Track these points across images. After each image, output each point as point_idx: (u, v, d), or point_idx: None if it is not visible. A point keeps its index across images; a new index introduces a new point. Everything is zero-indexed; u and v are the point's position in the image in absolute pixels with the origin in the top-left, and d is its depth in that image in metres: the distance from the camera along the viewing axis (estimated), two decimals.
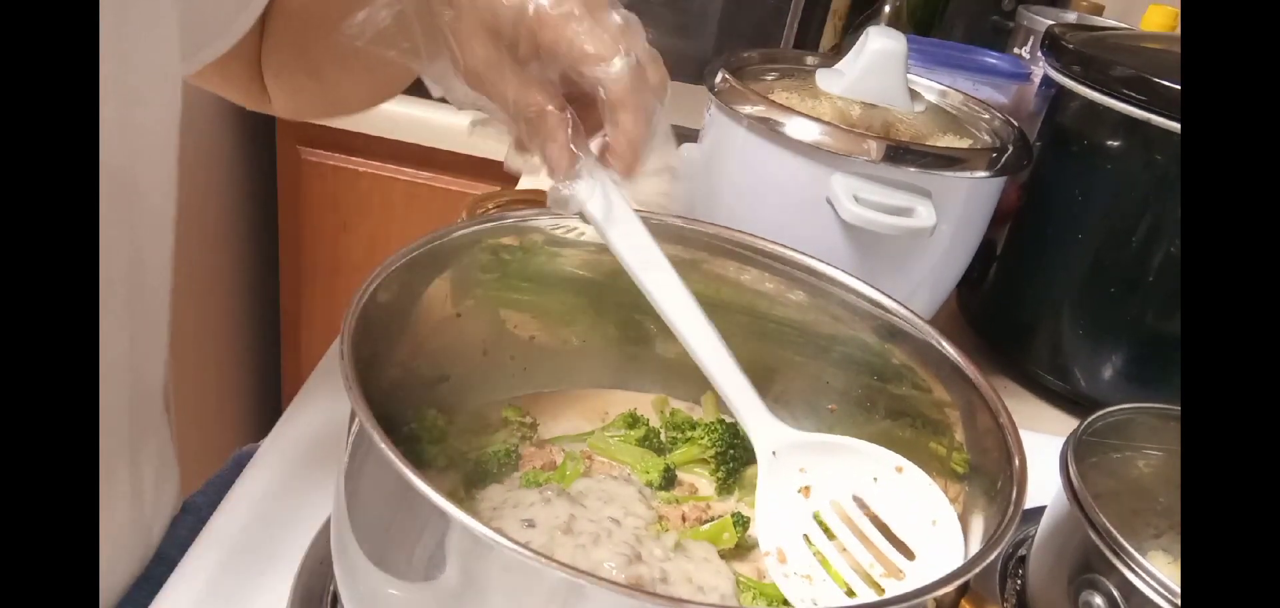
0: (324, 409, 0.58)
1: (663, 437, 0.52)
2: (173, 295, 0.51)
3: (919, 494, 0.43)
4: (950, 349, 0.45)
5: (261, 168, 1.39)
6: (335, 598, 0.43)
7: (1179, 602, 0.41)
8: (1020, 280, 0.75)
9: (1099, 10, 1.25)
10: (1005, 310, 0.77)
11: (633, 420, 0.51)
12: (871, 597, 0.41)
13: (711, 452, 0.50)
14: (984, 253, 0.70)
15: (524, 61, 0.43)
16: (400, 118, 1.23)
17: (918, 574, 0.41)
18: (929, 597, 0.32)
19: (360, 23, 0.45)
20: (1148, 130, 0.64)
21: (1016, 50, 1.13)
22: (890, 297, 0.48)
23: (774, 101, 0.63)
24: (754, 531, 0.46)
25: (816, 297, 0.50)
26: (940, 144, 0.65)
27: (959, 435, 0.44)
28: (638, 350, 0.54)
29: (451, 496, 0.36)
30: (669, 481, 0.49)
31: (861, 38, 0.67)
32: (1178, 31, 1.02)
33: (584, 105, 0.44)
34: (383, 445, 0.31)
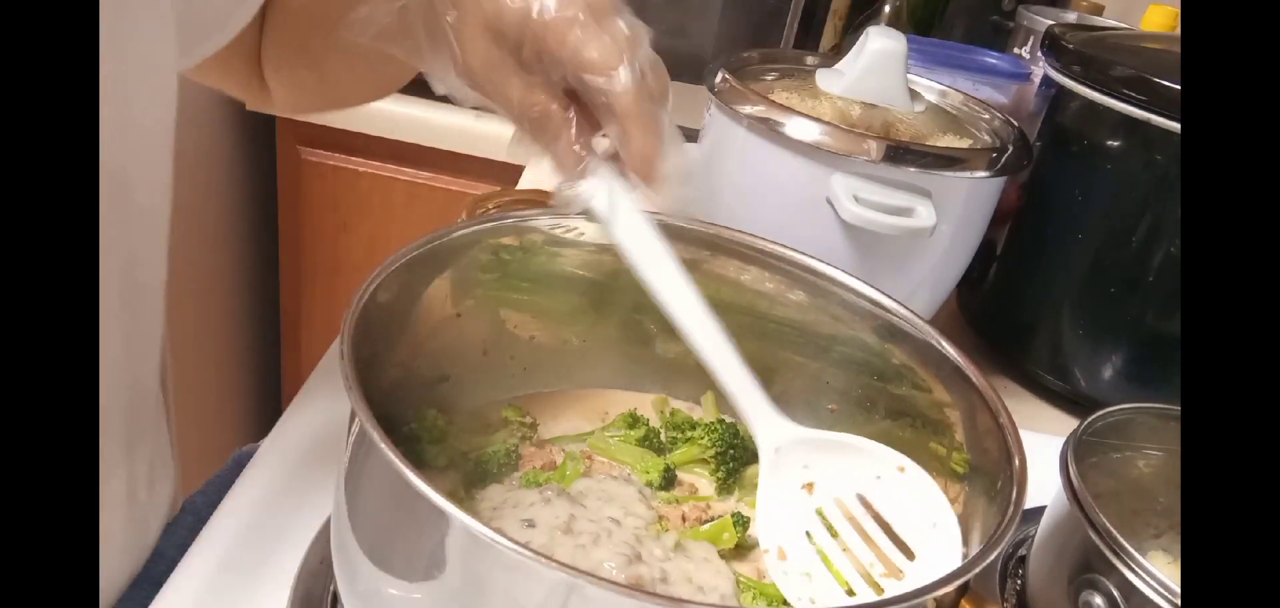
0: (324, 409, 0.58)
1: (663, 437, 0.52)
2: (171, 295, 0.51)
3: (920, 495, 0.43)
4: (950, 349, 0.45)
5: (261, 168, 1.39)
6: (335, 598, 0.43)
7: (1179, 602, 0.41)
8: (1020, 280, 0.75)
9: (1099, 10, 1.25)
10: (1005, 310, 0.77)
11: (633, 420, 0.51)
12: (871, 596, 0.41)
13: (711, 452, 0.50)
14: (984, 253, 0.70)
15: (527, 64, 0.43)
16: (400, 118, 1.23)
17: (918, 574, 0.41)
18: (929, 597, 0.32)
19: (362, 20, 0.45)
20: (1148, 130, 0.64)
21: (1016, 50, 1.13)
22: (890, 297, 0.48)
23: (774, 101, 0.63)
24: (754, 528, 0.46)
25: (816, 297, 0.50)
26: (940, 144, 0.65)
27: (959, 435, 0.44)
28: (638, 350, 0.54)
29: (451, 496, 0.36)
30: (669, 481, 0.49)
31: (861, 38, 0.67)
32: (1178, 31, 1.02)
33: (587, 103, 0.44)
34: (383, 446, 0.31)
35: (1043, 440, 0.49)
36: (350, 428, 0.36)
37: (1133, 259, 0.67)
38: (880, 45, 0.65)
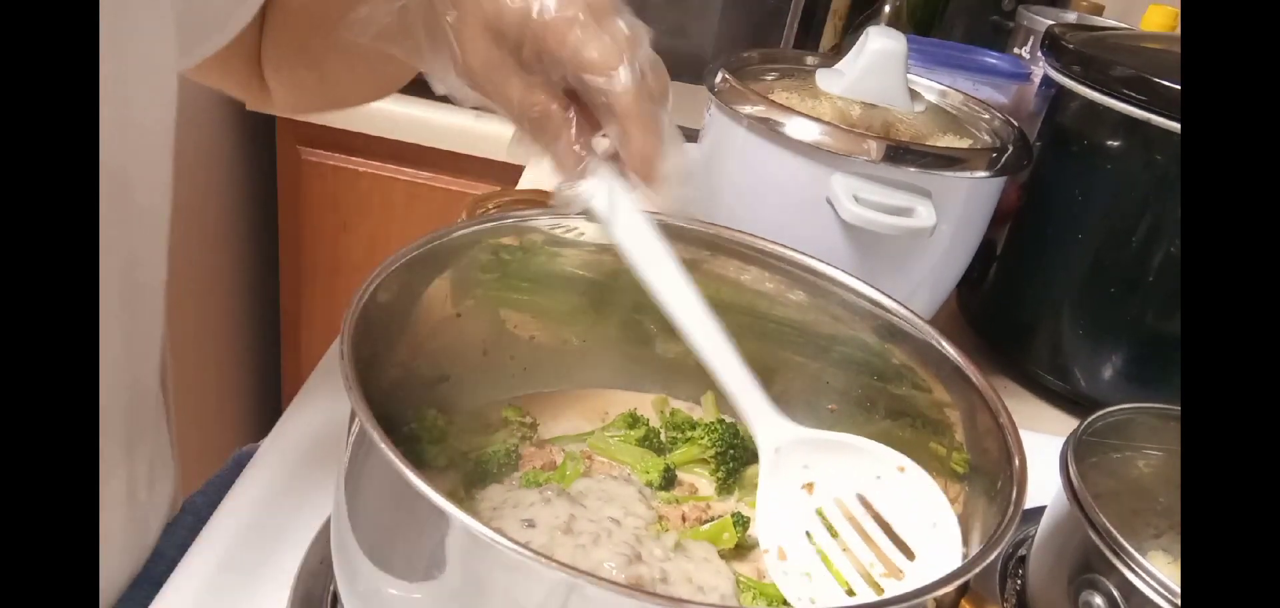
0: (324, 409, 0.58)
1: (663, 437, 0.52)
2: (171, 295, 0.51)
3: (921, 495, 0.43)
4: (950, 349, 0.45)
5: (261, 168, 1.39)
6: (335, 598, 0.43)
7: (1179, 602, 0.41)
8: (1020, 280, 0.75)
9: (1099, 10, 1.25)
10: (1005, 310, 0.77)
11: (633, 420, 0.51)
12: (870, 596, 0.41)
13: (711, 452, 0.50)
14: (984, 253, 0.70)
15: (527, 64, 0.43)
16: (400, 118, 1.23)
17: (918, 575, 0.41)
18: (929, 597, 0.32)
19: (361, 20, 0.45)
20: (1148, 130, 0.64)
21: (1016, 50, 1.13)
22: (890, 297, 0.48)
23: (774, 101, 0.63)
24: (754, 527, 0.46)
25: (816, 297, 0.50)
26: (940, 144, 0.65)
27: (959, 435, 0.44)
28: (638, 350, 0.54)
29: (451, 496, 0.36)
30: (669, 481, 0.49)
31: (861, 38, 0.67)
32: (1178, 31, 1.02)
33: (587, 103, 0.44)
34: (383, 446, 0.31)
35: (1043, 440, 0.49)
36: (350, 428, 0.36)
37: (1133, 259, 0.67)
38: (880, 45, 0.65)
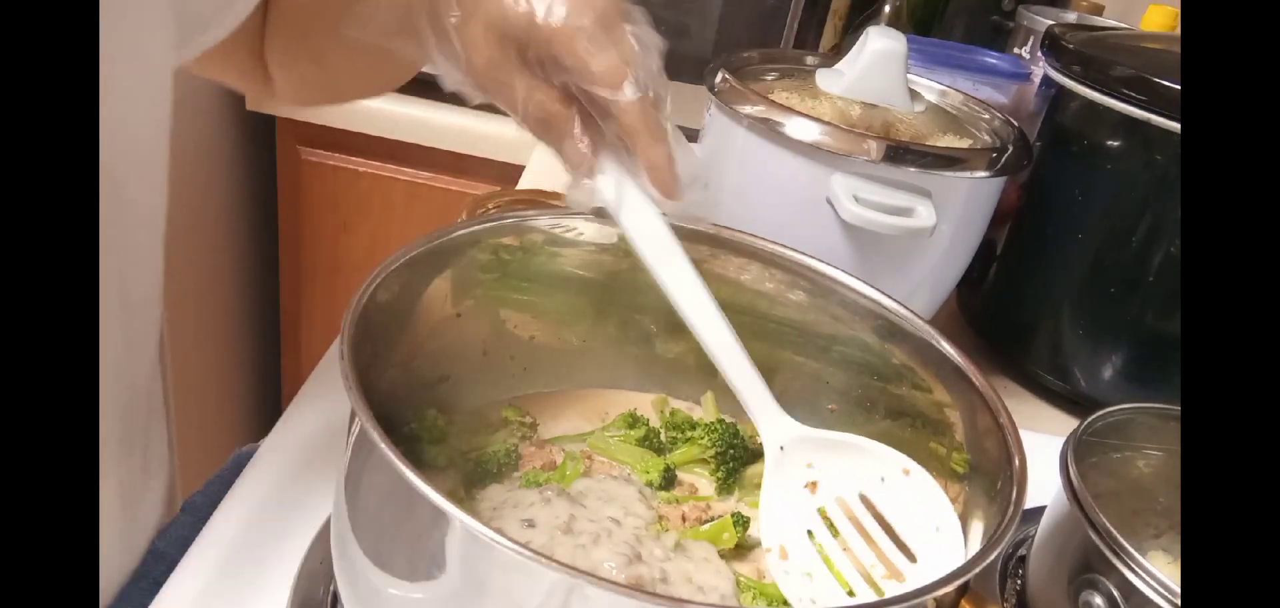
0: (324, 409, 0.58)
1: (663, 437, 0.52)
2: (171, 295, 0.51)
3: (924, 498, 0.43)
4: (950, 349, 0.45)
5: (261, 168, 1.39)
6: (335, 598, 0.43)
7: (1179, 602, 0.41)
8: (1020, 280, 0.75)
9: (1099, 10, 1.25)
10: (1005, 310, 0.77)
11: (633, 421, 0.51)
12: (871, 597, 0.41)
13: (711, 452, 0.50)
14: (984, 253, 0.70)
15: (533, 65, 0.43)
16: (400, 118, 1.23)
17: (918, 577, 0.41)
18: (929, 597, 0.32)
19: (364, 16, 0.44)
20: (1148, 130, 0.64)
21: (1016, 50, 1.13)
22: (890, 297, 0.48)
23: (774, 101, 0.63)
24: (756, 526, 0.46)
25: (816, 297, 0.50)
26: (940, 144, 0.65)
27: (959, 435, 0.44)
28: (638, 350, 0.54)
29: (451, 496, 0.36)
30: (669, 481, 0.49)
31: (861, 38, 0.67)
32: (1178, 31, 1.02)
33: (592, 110, 0.44)
34: (383, 446, 0.31)
35: (1043, 440, 0.49)
36: (350, 428, 0.36)
37: (1133, 259, 0.67)
38: (880, 45, 0.65)
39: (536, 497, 0.42)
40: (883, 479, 0.44)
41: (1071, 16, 1.22)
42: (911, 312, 0.47)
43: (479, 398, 0.51)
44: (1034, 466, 0.38)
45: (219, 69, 0.61)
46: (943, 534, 0.41)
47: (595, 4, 0.42)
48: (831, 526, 0.44)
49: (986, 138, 0.68)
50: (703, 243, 0.50)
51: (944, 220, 0.61)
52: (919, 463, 0.44)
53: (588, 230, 0.49)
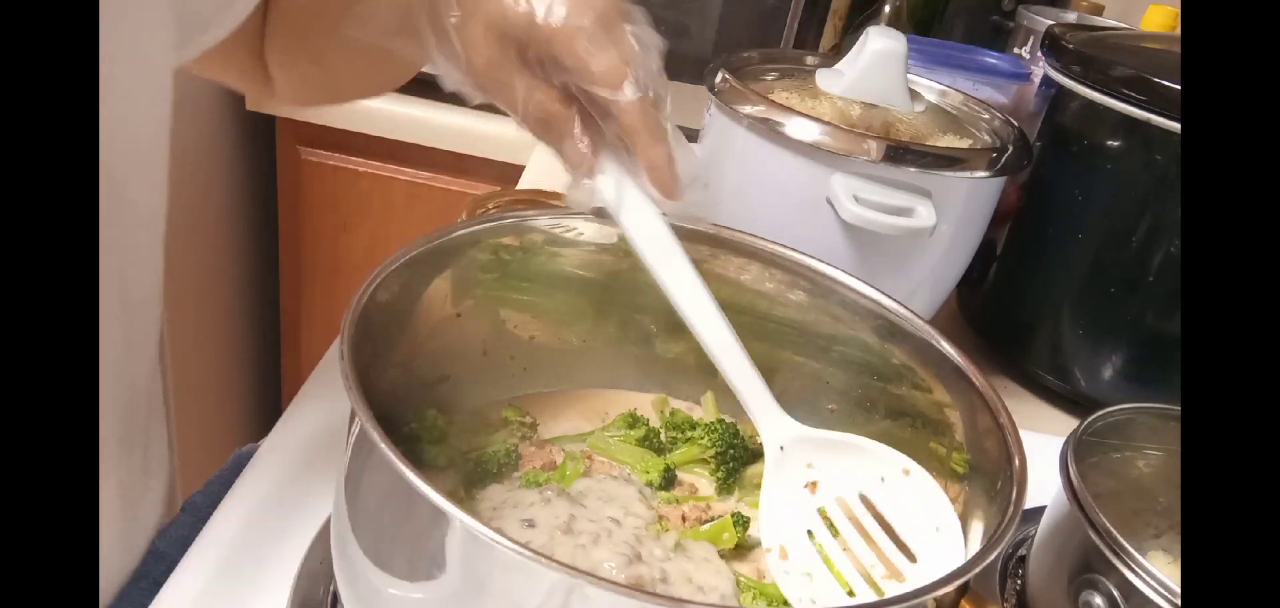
0: (324, 409, 0.58)
1: (663, 437, 0.52)
2: (171, 295, 0.51)
3: (924, 499, 0.43)
4: (950, 349, 0.45)
5: (261, 168, 1.39)
6: (335, 598, 0.43)
7: (1179, 602, 0.41)
8: (1020, 280, 0.75)
9: (1099, 10, 1.25)
10: (1005, 310, 0.77)
11: (633, 420, 0.51)
12: (871, 597, 0.41)
13: (711, 452, 0.50)
14: (984, 253, 0.70)
15: (533, 65, 0.43)
16: (400, 118, 1.23)
17: (918, 577, 0.41)
18: (929, 597, 0.32)
19: (364, 16, 0.44)
20: (1148, 130, 0.64)
21: (1016, 50, 1.13)
22: (890, 297, 0.48)
23: (774, 101, 0.63)
24: (756, 526, 0.46)
25: (816, 297, 0.50)
26: (940, 144, 0.65)
27: (959, 435, 0.44)
28: (638, 350, 0.54)
29: (451, 496, 0.36)
30: (669, 481, 0.49)
31: (861, 38, 0.67)
32: (1178, 31, 1.02)
33: (592, 110, 0.44)
34: (383, 446, 0.31)
35: (1043, 440, 0.49)
36: (350, 428, 0.36)
37: (1133, 259, 0.67)
38: (880, 45, 0.65)
39: (536, 497, 0.42)
40: (883, 479, 0.44)
41: (1071, 16, 1.22)
42: (911, 312, 0.47)
43: (479, 398, 0.51)
44: (1034, 466, 0.38)
45: (219, 69, 0.61)
46: (943, 535, 0.41)
47: (595, 4, 0.42)
48: (831, 526, 0.44)
49: (986, 138, 0.68)
50: (703, 243, 0.50)
51: (944, 220, 0.61)
52: (919, 463, 0.44)
53: (588, 230, 0.49)
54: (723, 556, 0.43)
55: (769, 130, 0.61)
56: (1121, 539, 0.43)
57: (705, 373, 0.54)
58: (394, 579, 0.34)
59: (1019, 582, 0.51)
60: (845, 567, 0.42)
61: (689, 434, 0.51)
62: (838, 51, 0.84)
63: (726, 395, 0.54)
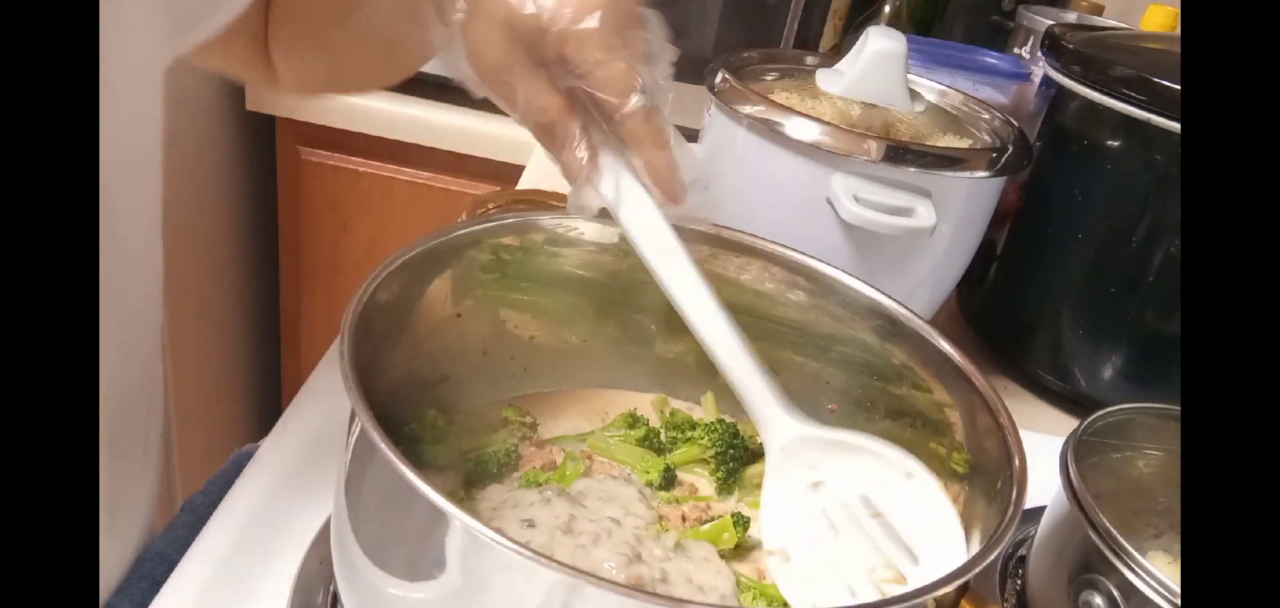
0: (324, 409, 0.58)
1: (663, 437, 0.52)
2: (171, 295, 0.51)
3: (926, 500, 0.43)
4: (950, 349, 0.45)
5: (261, 168, 1.39)
6: (335, 598, 0.43)
7: (1179, 602, 0.41)
8: (1020, 280, 0.75)
9: (1099, 10, 1.25)
10: (1005, 310, 0.77)
11: (633, 420, 0.51)
12: (872, 596, 0.41)
13: (711, 452, 0.50)
14: (984, 253, 0.70)
15: (544, 63, 0.42)
16: (400, 118, 1.23)
17: (920, 578, 0.41)
18: (929, 597, 0.32)
19: (371, 8, 0.44)
20: (1148, 130, 0.64)
21: (1016, 50, 1.13)
22: (890, 297, 0.48)
23: (774, 102, 0.63)
24: (757, 526, 0.46)
25: (816, 297, 0.50)
26: (940, 144, 0.65)
27: (959, 435, 0.44)
28: (638, 350, 0.54)
29: (451, 496, 0.36)
30: (669, 481, 0.49)
31: (861, 38, 0.67)
32: (1178, 31, 1.02)
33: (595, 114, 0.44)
34: (383, 446, 0.31)
35: (1043, 441, 0.49)
36: (350, 428, 0.36)
37: (1133, 259, 0.67)
38: (880, 45, 0.65)
39: (536, 497, 0.42)
40: (885, 481, 0.44)
41: (1071, 16, 1.22)
42: (911, 312, 0.47)
43: (479, 398, 0.51)
44: (1034, 466, 0.38)
45: (221, 60, 0.61)
46: (944, 535, 0.41)
47: (605, 5, 0.41)
48: (834, 526, 0.44)
49: (986, 138, 0.68)
50: (703, 243, 0.50)
51: (944, 220, 0.61)
52: (919, 463, 0.44)
53: (588, 230, 0.49)
54: (723, 556, 0.43)
55: (769, 130, 0.61)
56: (1121, 539, 0.43)
57: (705, 373, 0.54)
58: (394, 579, 0.34)
59: (1019, 582, 0.51)
60: (847, 567, 0.42)
61: (689, 434, 0.51)
62: (838, 51, 0.84)
63: (727, 395, 0.54)
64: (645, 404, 0.54)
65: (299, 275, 1.39)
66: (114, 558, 0.52)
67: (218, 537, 0.48)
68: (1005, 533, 0.34)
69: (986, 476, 0.41)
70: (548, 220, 0.49)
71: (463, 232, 0.47)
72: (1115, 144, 0.66)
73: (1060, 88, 0.70)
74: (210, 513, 0.50)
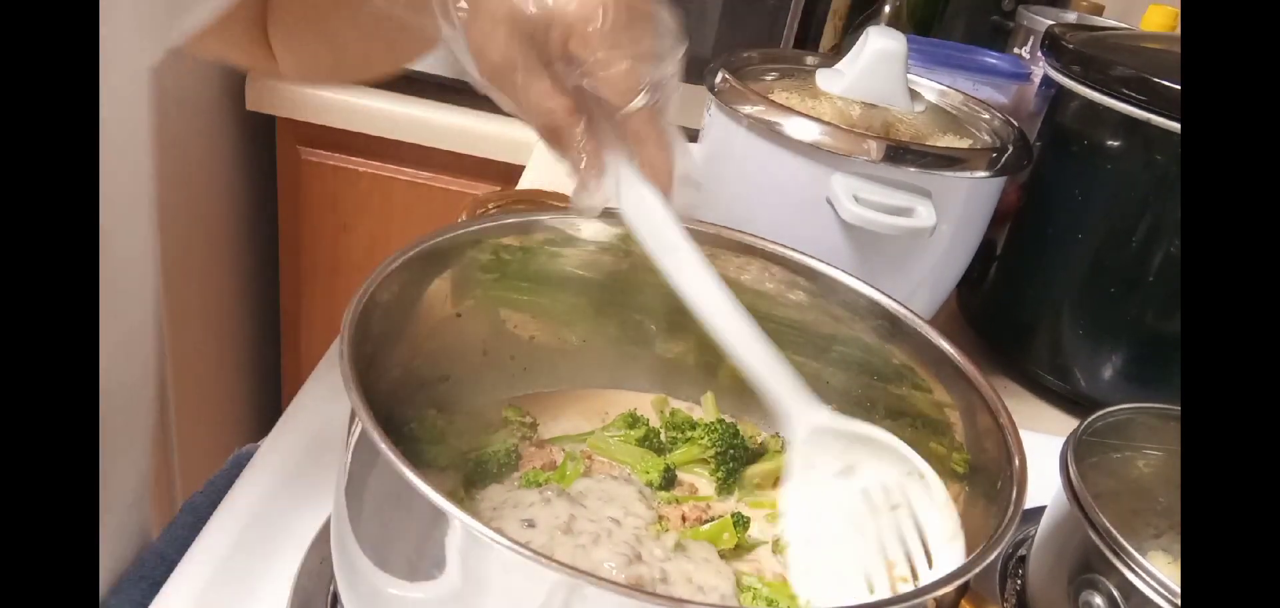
0: (324, 409, 0.58)
1: (663, 437, 0.52)
2: (171, 295, 0.51)
3: (937, 504, 0.43)
4: (950, 349, 0.45)
5: (261, 168, 1.39)
6: (335, 598, 0.43)
7: (1179, 602, 0.41)
8: (1020, 280, 0.75)
9: (1099, 10, 1.25)
10: (1005, 310, 0.77)
11: (633, 420, 0.51)
12: (883, 594, 0.41)
13: (711, 452, 0.50)
14: (984, 253, 0.70)
15: (548, 61, 0.42)
16: (400, 118, 1.23)
17: (929, 578, 0.41)
18: (929, 597, 0.32)
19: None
20: (1148, 130, 0.64)
21: (1016, 50, 1.13)
22: (890, 297, 0.48)
23: (774, 102, 0.63)
24: (757, 526, 0.46)
25: (816, 297, 0.50)
26: (940, 144, 0.65)
27: (959, 435, 0.44)
28: (638, 350, 0.54)
29: (451, 496, 0.36)
30: (669, 481, 0.49)
31: (861, 38, 0.67)
32: (1178, 31, 1.02)
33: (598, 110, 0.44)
34: (383, 446, 0.31)
35: (1043, 441, 0.49)
36: (350, 428, 0.36)
37: (1133, 259, 0.67)
38: (880, 45, 0.65)
39: (536, 497, 0.42)
40: (901, 476, 0.44)
41: (1071, 16, 1.22)
42: (911, 312, 0.47)
43: (479, 398, 0.51)
44: (1034, 465, 0.38)
45: (218, 48, 0.60)
46: (951, 539, 0.41)
47: (609, 3, 0.41)
48: (853, 517, 0.44)
49: (986, 138, 0.68)
50: (703, 243, 0.49)
51: (944, 220, 0.61)
52: None
53: (588, 230, 0.49)
54: (723, 556, 0.43)
55: (769, 130, 0.61)
56: (1121, 539, 0.43)
57: (705, 373, 0.54)
58: (394, 579, 0.34)
59: (1019, 582, 0.51)
60: (865, 561, 0.42)
61: (689, 434, 0.51)
62: (838, 51, 0.84)
63: (726, 396, 0.54)
64: (645, 404, 0.54)
65: (299, 275, 1.39)
66: (109, 560, 0.52)
67: (218, 537, 0.48)
68: (1005, 533, 0.34)
69: (986, 476, 0.41)
70: (548, 220, 0.49)
71: (463, 232, 0.47)
72: (1115, 144, 0.66)
73: (1060, 88, 0.70)
74: (210, 513, 0.50)
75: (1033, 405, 0.74)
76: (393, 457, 0.31)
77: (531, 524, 0.41)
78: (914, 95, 0.68)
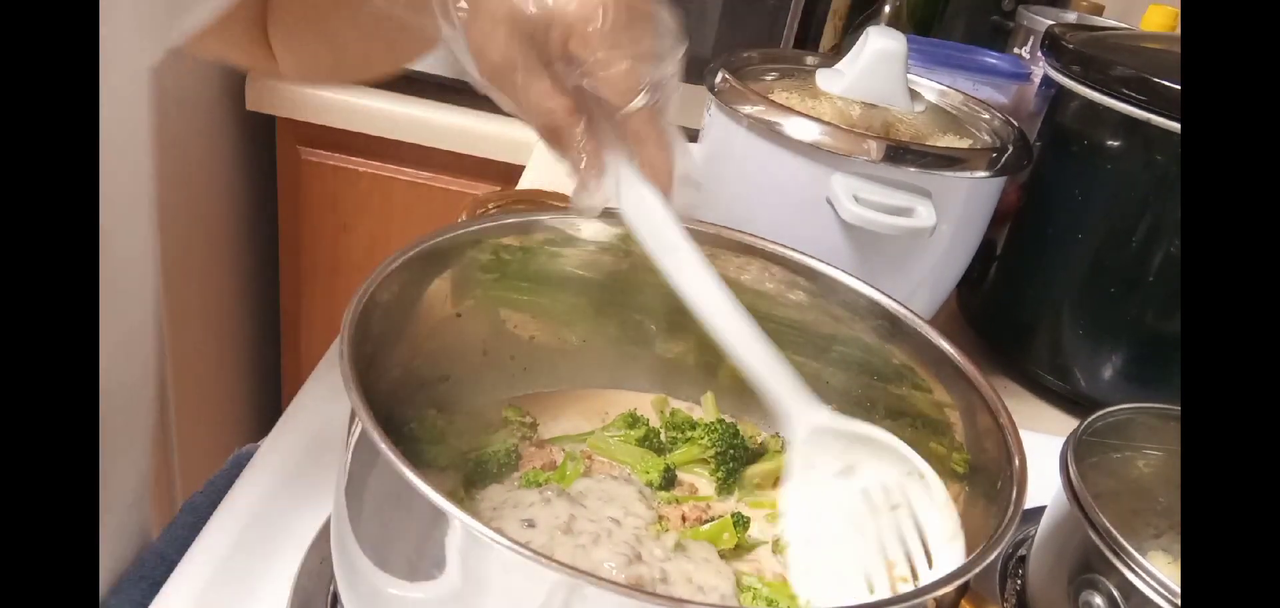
0: (324, 409, 0.58)
1: (663, 437, 0.52)
2: (172, 295, 0.51)
3: (938, 505, 0.43)
4: (950, 349, 0.45)
5: (261, 168, 1.39)
6: (335, 598, 0.43)
7: (1179, 602, 0.41)
8: (1020, 280, 0.75)
9: (1099, 10, 1.25)
10: (1005, 310, 0.77)
11: (633, 420, 0.51)
12: (883, 594, 0.41)
13: (711, 452, 0.50)
14: (984, 253, 0.70)
15: (548, 61, 0.42)
16: (400, 118, 1.23)
17: (929, 578, 0.41)
18: (929, 597, 0.32)
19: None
20: (1148, 130, 0.64)
21: (1016, 50, 1.13)
22: (890, 297, 0.48)
23: (774, 102, 0.63)
24: (757, 526, 0.46)
25: (816, 297, 0.50)
26: (940, 144, 0.65)
27: (959, 435, 0.44)
28: (638, 350, 0.54)
29: (451, 496, 0.36)
30: (669, 481, 0.49)
31: (861, 38, 0.67)
32: (1178, 31, 1.02)
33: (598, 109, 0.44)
34: (383, 446, 0.31)
35: (1043, 441, 0.49)
36: (350, 429, 0.36)
37: (1133, 259, 0.67)
38: (880, 45, 0.65)
39: (536, 497, 0.42)
40: (901, 477, 0.44)
41: (1071, 16, 1.22)
42: (911, 312, 0.47)
43: (479, 398, 0.51)
44: (1034, 465, 0.38)
45: (218, 48, 0.60)
46: (950, 540, 0.41)
47: (609, 2, 0.41)
48: (853, 517, 0.44)
49: (986, 138, 0.68)
50: (703, 243, 0.49)
51: (944, 220, 0.61)
52: None
53: (588, 230, 0.49)
54: (723, 556, 0.43)
55: (769, 130, 0.61)
56: (1121, 539, 0.43)
57: (705, 373, 0.54)
58: (394, 579, 0.34)
59: (1019, 582, 0.51)
60: (864, 560, 0.42)
61: (689, 434, 0.51)
62: (838, 51, 0.84)
63: (727, 396, 0.54)
64: (645, 404, 0.54)
65: (299, 275, 1.39)
66: (109, 560, 0.52)
67: (218, 537, 0.48)
68: (1005, 533, 0.34)
69: (986, 476, 0.41)
70: (548, 220, 0.49)
71: (463, 232, 0.47)
72: (1115, 144, 0.66)
73: (1060, 88, 0.70)
74: (210, 513, 0.50)
75: (1033, 405, 0.74)
76: (393, 457, 0.31)
77: (531, 524, 0.41)
78: (914, 95, 0.68)
